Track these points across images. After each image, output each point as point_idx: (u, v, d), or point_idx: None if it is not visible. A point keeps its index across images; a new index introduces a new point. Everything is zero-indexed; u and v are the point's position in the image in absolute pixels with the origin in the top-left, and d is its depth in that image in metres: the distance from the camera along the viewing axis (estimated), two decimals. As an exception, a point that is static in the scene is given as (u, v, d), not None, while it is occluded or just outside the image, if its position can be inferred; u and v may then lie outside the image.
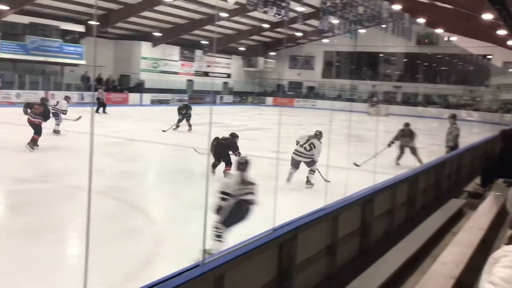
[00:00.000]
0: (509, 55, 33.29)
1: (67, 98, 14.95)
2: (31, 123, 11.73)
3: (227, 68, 42.13)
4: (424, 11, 27.07)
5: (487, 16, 17.59)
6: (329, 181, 8.19)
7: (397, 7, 18.06)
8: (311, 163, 9.33)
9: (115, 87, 31.95)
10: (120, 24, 30.37)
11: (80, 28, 28.63)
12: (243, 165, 5.58)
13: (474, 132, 16.50)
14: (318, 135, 9.57)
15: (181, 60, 37.32)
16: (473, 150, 12.70)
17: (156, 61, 35.02)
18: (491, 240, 4.85)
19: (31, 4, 24.68)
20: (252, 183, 5.49)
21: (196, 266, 3.23)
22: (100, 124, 12.98)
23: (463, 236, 4.80)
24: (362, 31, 30.58)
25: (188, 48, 37.57)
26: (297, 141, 9.61)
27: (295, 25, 32.98)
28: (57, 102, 14.40)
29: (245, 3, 26.76)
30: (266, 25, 34.32)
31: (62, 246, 6.06)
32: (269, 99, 41.95)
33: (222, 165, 9.48)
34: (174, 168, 11.17)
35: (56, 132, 13.98)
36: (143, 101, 31.85)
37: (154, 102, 32.60)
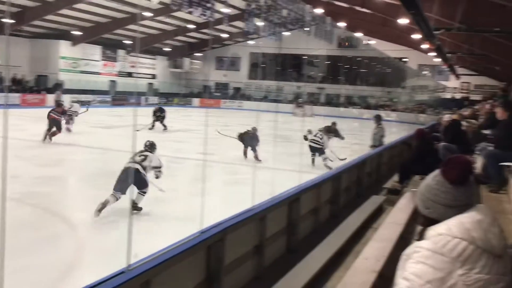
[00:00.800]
0: (423, 58, 35.40)
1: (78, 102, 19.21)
2: (52, 119, 14.03)
3: (151, 68, 41.36)
4: (344, 15, 28.11)
5: (403, 21, 18.57)
6: (344, 158, 10.27)
7: (319, 10, 18.60)
8: (321, 150, 11.81)
9: (31, 88, 30.31)
10: (36, 22, 28.87)
11: (-9, 25, 26.90)
12: (147, 146, 7.77)
13: (392, 132, 17.33)
14: (330, 127, 12.55)
15: (103, 60, 36.14)
16: (391, 148, 13.32)
17: (76, 61, 33.65)
18: (408, 234, 5.11)
19: None
20: (143, 155, 7.50)
21: (121, 272, 3.12)
22: (16, 127, 12.25)
23: (383, 232, 5.02)
24: (286, 33, 31.20)
25: (110, 48, 36.46)
26: (309, 131, 12.25)
27: (220, 26, 33.03)
28: (71, 106, 17.49)
29: (169, 3, 26.42)
30: (191, 26, 34.07)
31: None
32: (196, 100, 41.68)
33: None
34: (97, 172, 10.77)
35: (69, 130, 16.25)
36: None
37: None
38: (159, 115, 19.00)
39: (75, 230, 6.63)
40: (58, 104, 15.43)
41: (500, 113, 6.93)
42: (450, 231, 1.76)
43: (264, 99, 38.65)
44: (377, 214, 6.81)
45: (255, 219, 4.94)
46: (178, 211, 7.41)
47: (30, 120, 19.57)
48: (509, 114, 6.76)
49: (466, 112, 15.20)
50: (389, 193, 8.42)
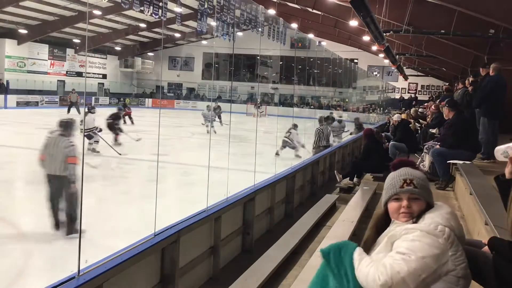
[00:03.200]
0: (373, 59, 36.32)
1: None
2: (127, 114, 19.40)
3: (102, 68, 40.36)
4: (296, 16, 28.41)
5: (354, 23, 18.99)
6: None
7: (271, 12, 18.70)
8: (291, 144, 13.65)
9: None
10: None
11: None
12: (292, 126, 13.53)
13: (344, 131, 17.66)
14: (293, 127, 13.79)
15: (50, 59, 34.94)
16: (343, 147, 13.59)
17: (22, 60, 32.39)
18: (360, 231, 5.22)
19: None
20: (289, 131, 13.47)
21: (71, 278, 3.03)
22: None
23: (336, 229, 5.11)
24: (239, 33, 31.13)
25: (59, 47, 35.31)
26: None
27: (173, 26, 32.64)
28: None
29: (119, 1, 25.77)
30: (143, 25, 33.51)
31: None
32: (149, 101, 41.01)
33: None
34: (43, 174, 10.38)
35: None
36: (7, 104, 29.24)
37: (20, 105, 30.08)
38: (218, 111, 22.84)
39: (24, 236, 6.39)
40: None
41: (446, 113, 7.19)
42: (434, 220, 1.88)
43: (218, 99, 38.52)
44: (331, 212, 6.93)
45: (209, 219, 4.91)
46: (131, 213, 7.26)
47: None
48: (454, 114, 7.02)
49: (414, 111, 15.71)
50: (342, 192, 8.60)
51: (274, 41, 9.91)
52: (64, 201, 6.04)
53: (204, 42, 40.31)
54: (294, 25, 25.09)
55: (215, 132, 18.33)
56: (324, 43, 32.48)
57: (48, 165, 6.19)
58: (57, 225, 6.03)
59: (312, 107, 36.23)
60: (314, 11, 24.15)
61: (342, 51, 31.88)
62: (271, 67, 42.07)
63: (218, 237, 5.09)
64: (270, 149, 13.42)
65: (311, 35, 28.63)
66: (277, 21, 9.65)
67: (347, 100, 33.86)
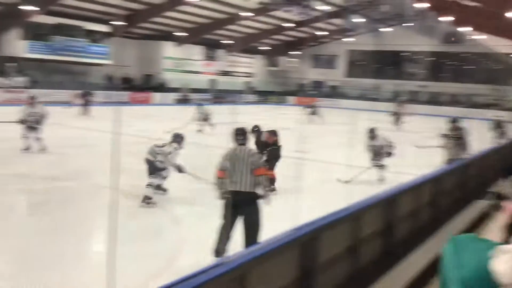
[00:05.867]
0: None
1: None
2: None
3: (249, 67, 42.19)
4: (451, 9, 26.64)
5: (515, 14, 17.25)
6: None
7: (424, 5, 17.80)
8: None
9: (139, 86, 32.41)
10: (144, 24, 30.74)
11: (105, 28, 29.11)
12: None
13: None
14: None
15: (203, 59, 37.53)
16: (498, 150, 12.47)
17: (179, 61, 35.28)
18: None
19: (57, 4, 25.16)
20: None
21: (220, 264, 3.23)
22: (123, 124, 13.11)
23: (489, 238, 4.72)
24: (386, 29, 30.17)
25: (211, 48, 37.75)
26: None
27: (318, 24, 32.86)
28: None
29: (268, 2, 26.72)
30: (289, 25, 34.26)
31: (86, 244, 6.17)
32: (291, 99, 41.81)
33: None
34: (199, 165, 11.17)
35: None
36: (166, 101, 32.14)
37: (178, 101, 32.75)
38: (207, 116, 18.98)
39: (178, 222, 7.01)
40: None
41: None
42: None
43: (361, 97, 37.82)
44: (483, 219, 6.43)
45: (350, 219, 4.87)
46: (275, 208, 7.50)
47: (137, 117, 20.91)
48: None
49: None
50: (498, 198, 7.90)
51: (423, 36, 9.43)
52: (244, 222, 5.12)
53: (348, 39, 39.89)
54: (449, 19, 23.59)
55: None
56: (483, 36, 30.02)
57: (237, 182, 5.11)
58: (219, 252, 4.99)
59: (464, 106, 33.74)
60: (470, 3, 22.40)
61: (501, 45, 29.19)
62: (421, 63, 40.05)
63: (358, 237, 5.03)
64: (414, 150, 12.91)
65: (467, 29, 26.69)
66: (426, 15, 9.16)
67: (505, 98, 30.89)
